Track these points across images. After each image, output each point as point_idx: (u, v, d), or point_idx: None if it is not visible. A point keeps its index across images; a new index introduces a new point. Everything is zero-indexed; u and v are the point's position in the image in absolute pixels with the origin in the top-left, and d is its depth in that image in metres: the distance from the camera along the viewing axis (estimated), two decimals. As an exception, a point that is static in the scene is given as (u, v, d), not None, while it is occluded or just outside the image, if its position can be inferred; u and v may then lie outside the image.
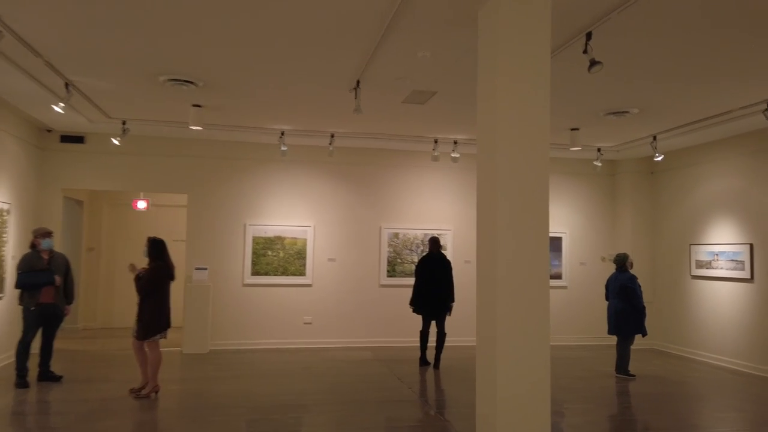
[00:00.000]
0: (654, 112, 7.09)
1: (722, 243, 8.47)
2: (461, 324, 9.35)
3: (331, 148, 8.54)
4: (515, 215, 3.82)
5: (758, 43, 4.86)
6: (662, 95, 6.44)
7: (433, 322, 7.94)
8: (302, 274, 9.40)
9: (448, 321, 7.98)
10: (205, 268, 8.95)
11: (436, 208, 9.95)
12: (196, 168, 9.19)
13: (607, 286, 7.76)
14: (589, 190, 10.48)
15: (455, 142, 8.83)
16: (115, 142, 8.05)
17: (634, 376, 7.40)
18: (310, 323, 9.39)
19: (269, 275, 9.30)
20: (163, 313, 6.01)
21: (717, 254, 8.56)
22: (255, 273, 9.26)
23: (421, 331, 8.00)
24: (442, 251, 8.14)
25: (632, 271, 7.64)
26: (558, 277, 10.23)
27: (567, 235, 10.30)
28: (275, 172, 9.44)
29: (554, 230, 10.28)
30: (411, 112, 7.32)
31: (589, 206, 10.47)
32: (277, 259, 9.33)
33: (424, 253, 8.36)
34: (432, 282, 7.84)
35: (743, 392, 6.87)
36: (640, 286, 7.40)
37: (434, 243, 8.05)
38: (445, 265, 7.93)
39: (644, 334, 7.35)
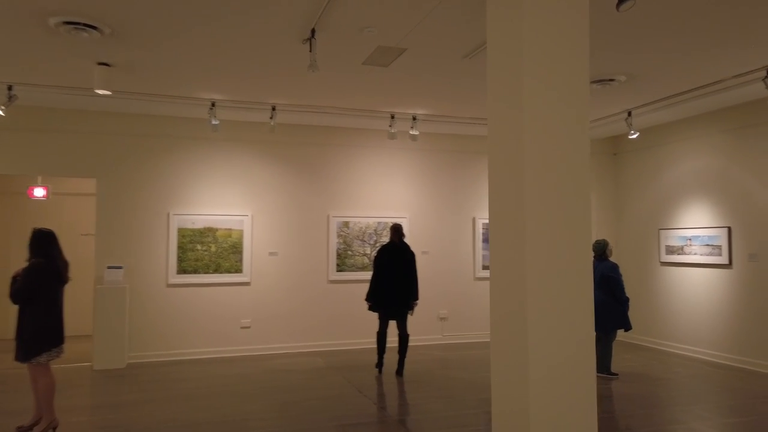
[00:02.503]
0: (641, 80, 6.37)
1: (696, 227, 7.98)
2: (419, 321, 8.43)
3: (272, 123, 7.28)
4: (549, 202, 2.86)
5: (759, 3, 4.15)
6: (654, 61, 5.70)
7: (393, 322, 6.93)
8: (238, 270, 8.10)
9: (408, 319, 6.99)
10: (120, 267, 7.47)
11: (391, 194, 8.92)
12: (107, 147, 7.66)
13: (585, 277, 7.02)
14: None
15: (414, 118, 7.82)
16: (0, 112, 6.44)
17: (616, 375, 6.72)
18: (248, 327, 8.12)
19: (199, 273, 7.94)
20: (50, 326, 4.58)
21: (690, 239, 8.07)
22: (181, 271, 7.87)
23: (378, 333, 6.96)
24: (405, 241, 7.11)
25: (611, 259, 6.96)
26: (519, 267, 9.48)
27: (528, 221, 9.56)
28: (205, 153, 8.06)
29: (516, 217, 9.53)
30: (368, 79, 6.23)
31: (550, 191, 9.77)
32: (208, 254, 7.99)
33: (384, 242, 7.31)
34: (392, 276, 6.81)
35: (736, 390, 6.32)
36: (621, 275, 6.71)
37: (396, 231, 7.02)
38: (407, 257, 6.92)
39: (628, 329, 6.67)
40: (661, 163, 8.64)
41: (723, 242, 7.55)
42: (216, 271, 8.01)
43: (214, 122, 7.02)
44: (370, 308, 6.93)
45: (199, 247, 7.97)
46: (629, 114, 7.60)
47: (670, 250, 8.38)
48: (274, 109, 7.24)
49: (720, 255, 7.58)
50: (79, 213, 9.37)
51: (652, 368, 7.24)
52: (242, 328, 8.09)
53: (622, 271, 6.86)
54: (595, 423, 2.88)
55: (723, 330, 7.54)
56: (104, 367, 7.17)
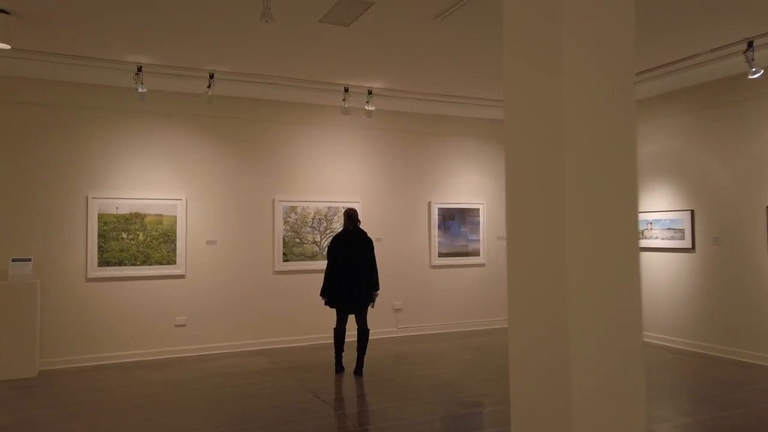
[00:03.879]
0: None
1: (657, 210, 7.78)
2: (373, 313, 7.81)
3: (209, 93, 6.39)
4: (594, 186, 2.28)
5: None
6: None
7: (351, 317, 6.27)
8: (171, 262, 7.17)
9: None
10: (29, 260, 6.38)
11: (343, 177, 8.20)
12: (7, 119, 6.50)
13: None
14: (501, 156, 9.35)
15: (370, 92, 7.14)
16: None
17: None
18: (183, 325, 7.22)
19: (124, 265, 6.96)
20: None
21: (651, 222, 7.87)
22: (104, 263, 6.86)
23: (335, 329, 6.29)
24: (360, 227, 6.44)
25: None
26: (476, 254, 9.05)
27: (484, 206, 9.14)
28: (131, 127, 7.04)
29: (473, 201, 9.09)
30: (324, 42, 5.49)
31: (503, 174, 9.35)
32: (135, 243, 7.01)
33: (336, 230, 6.62)
34: (349, 266, 6.14)
35: (711, 379, 6.11)
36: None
37: (350, 217, 6.33)
38: (364, 245, 6.26)
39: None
40: (620, 146, 8.38)
41: (686, 226, 7.37)
42: (145, 262, 7.05)
43: (140, 90, 6.06)
44: (327, 303, 6.23)
45: (124, 235, 6.97)
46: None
47: (630, 235, 8.16)
48: (212, 77, 6.35)
49: (683, 239, 7.41)
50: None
51: (619, 357, 6.96)
52: (177, 326, 7.18)
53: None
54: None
55: (686, 315, 7.38)
56: (9, 376, 6.09)
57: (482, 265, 9.09)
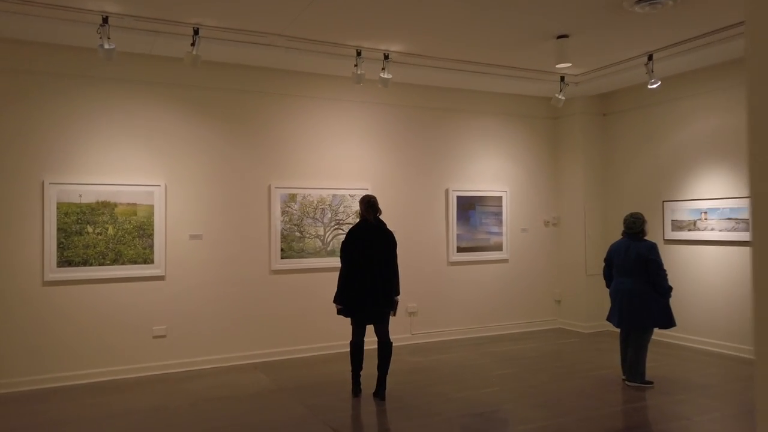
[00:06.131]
0: (690, 7, 4.91)
1: (714, 198, 6.77)
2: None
3: (194, 51, 5.16)
4: None
5: None
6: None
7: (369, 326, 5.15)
8: (148, 260, 5.97)
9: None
10: (-32, 260, 5.14)
11: (350, 160, 7.05)
12: (-58, 84, 5.22)
13: (609, 260, 5.56)
14: (528, 136, 8.30)
15: (386, 57, 5.98)
16: None
17: (651, 383, 5.35)
18: (163, 336, 6.03)
19: (90, 265, 5.73)
20: None
21: (705, 212, 6.87)
22: (65, 263, 5.63)
23: (352, 343, 5.15)
24: (381, 218, 5.29)
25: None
26: (498, 248, 7.97)
27: (507, 194, 8.06)
28: (97, 98, 5.80)
29: (495, 188, 8.00)
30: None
31: (530, 157, 8.31)
32: (104, 238, 5.79)
33: (344, 220, 5.47)
34: (370, 267, 5.00)
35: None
36: (661, 258, 5.30)
37: (370, 206, 5.16)
38: (387, 240, 5.13)
39: (671, 325, 5.28)
40: (663, 124, 7.37)
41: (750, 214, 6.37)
42: (115, 261, 5.83)
43: (106, 47, 4.81)
44: (341, 312, 5.09)
45: (90, 229, 5.73)
46: (650, 58, 6.18)
47: (678, 226, 7.16)
48: (196, 32, 5.13)
49: (747, 230, 6.41)
50: None
51: (679, 370, 5.96)
52: (155, 337, 5.99)
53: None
54: None
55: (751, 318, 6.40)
56: (-56, 407, 4.87)
57: (505, 260, 8.02)
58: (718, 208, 6.71)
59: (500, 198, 7.99)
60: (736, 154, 6.54)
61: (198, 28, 5.11)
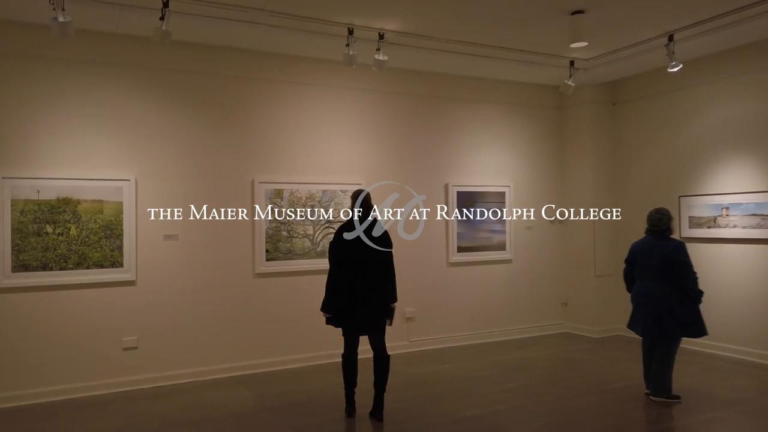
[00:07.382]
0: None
1: (736, 192, 6.24)
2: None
3: (163, 26, 4.54)
4: None
5: None
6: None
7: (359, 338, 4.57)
8: (116, 264, 5.34)
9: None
10: None
11: (341, 152, 6.45)
12: None
13: (630, 260, 5.00)
14: (533, 127, 7.75)
15: (381, 36, 5.39)
16: None
17: (679, 398, 4.81)
18: (134, 348, 5.41)
19: (50, 270, 5.10)
20: None
21: (726, 207, 6.34)
22: (20, 267, 4.99)
23: (344, 357, 4.55)
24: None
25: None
26: (501, 247, 7.41)
27: (511, 189, 7.50)
28: (55, 81, 5.16)
29: (498, 183, 7.45)
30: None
31: (535, 150, 7.75)
32: (66, 240, 5.15)
33: (336, 220, 4.88)
34: (363, 270, 4.41)
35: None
36: (690, 259, 4.74)
37: (364, 203, 4.58)
38: (383, 241, 4.54)
39: (702, 334, 4.73)
40: (679, 113, 6.84)
41: (779, 210, 5.86)
42: (80, 265, 5.20)
43: (60, 19, 4.17)
44: (330, 322, 4.50)
45: (49, 229, 5.10)
46: (670, 39, 5.63)
47: (696, 222, 6.63)
48: (166, 5, 4.50)
49: (774, 227, 5.90)
50: None
51: (704, 381, 5.42)
52: (125, 349, 5.37)
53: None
54: None
55: (779, 323, 5.89)
56: None
57: (508, 261, 7.46)
58: (741, 203, 6.18)
59: (503, 194, 7.42)
60: (760, 144, 6.02)
61: (167, 0, 4.49)
